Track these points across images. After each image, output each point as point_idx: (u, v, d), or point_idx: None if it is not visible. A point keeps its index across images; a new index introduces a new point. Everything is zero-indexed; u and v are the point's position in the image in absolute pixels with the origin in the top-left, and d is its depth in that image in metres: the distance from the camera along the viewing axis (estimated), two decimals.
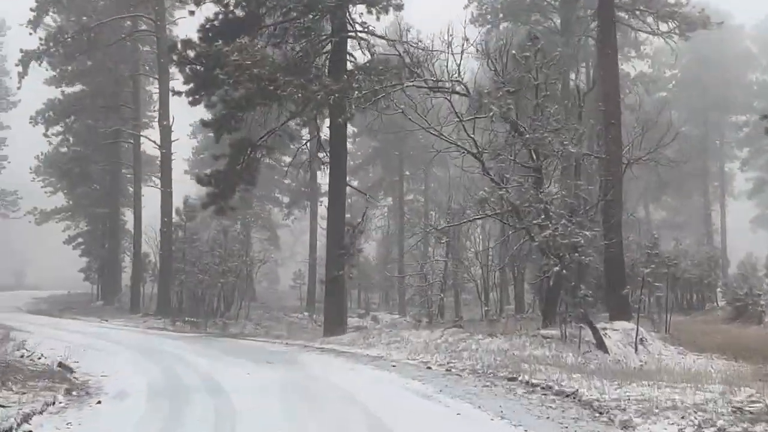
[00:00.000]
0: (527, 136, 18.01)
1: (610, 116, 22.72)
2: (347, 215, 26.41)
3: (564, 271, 17.54)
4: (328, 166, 24.44)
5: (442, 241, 33.79)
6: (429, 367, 14.97)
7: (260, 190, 60.71)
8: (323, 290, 32.55)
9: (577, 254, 17.58)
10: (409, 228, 50.55)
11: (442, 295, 32.30)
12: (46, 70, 41.46)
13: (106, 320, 33.51)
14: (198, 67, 21.98)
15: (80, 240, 50.86)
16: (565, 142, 17.87)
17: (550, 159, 18.84)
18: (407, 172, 59.65)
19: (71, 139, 41.10)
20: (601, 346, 18.48)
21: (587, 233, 17.80)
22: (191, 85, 22.74)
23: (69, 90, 41.54)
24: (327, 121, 25.54)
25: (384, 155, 57.75)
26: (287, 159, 61.36)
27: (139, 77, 40.76)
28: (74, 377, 13.14)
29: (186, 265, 35.92)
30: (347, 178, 25.29)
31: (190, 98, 22.92)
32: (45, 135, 40.51)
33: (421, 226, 28.02)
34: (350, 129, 59.89)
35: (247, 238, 54.99)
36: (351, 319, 43.96)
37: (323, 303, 25.12)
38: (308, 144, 28.09)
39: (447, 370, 14.62)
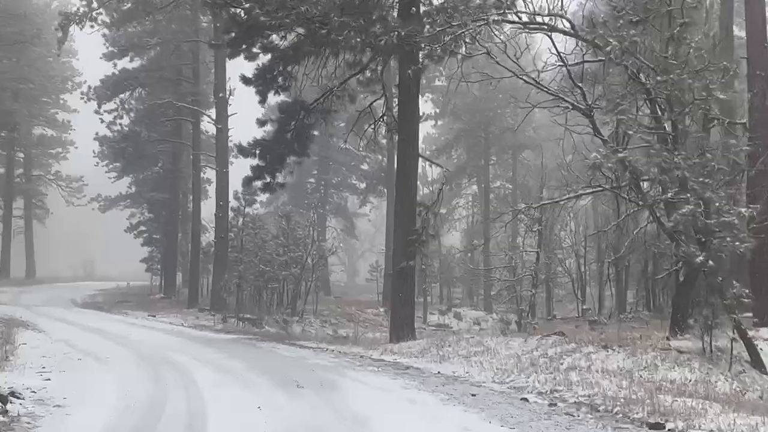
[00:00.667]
0: (658, 78, 13.18)
1: (756, 66, 17.67)
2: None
3: (709, 261, 12.75)
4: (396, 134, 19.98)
5: (534, 229, 29.29)
6: (525, 399, 10.42)
7: (335, 175, 57.11)
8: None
9: (729, 239, 12.69)
10: (495, 215, 45.95)
11: (533, 291, 27.79)
12: (105, 45, 38.37)
13: (154, 316, 29.89)
14: (237, 10, 17.86)
15: (142, 228, 47.74)
16: (712, 85, 12.97)
17: (688, 110, 13.89)
18: (493, 158, 54.93)
19: (125, 116, 37.64)
20: (757, 364, 13.63)
21: (743, 210, 12.91)
22: (232, 35, 18.70)
23: (124, 65, 38.23)
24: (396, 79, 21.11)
25: (468, 137, 53.12)
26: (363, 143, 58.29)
27: (198, 49, 36.96)
28: (11, 409, 9.11)
29: (244, 254, 32.09)
30: (419, 147, 20.69)
31: (229, 51, 18.86)
32: (96, 112, 37.19)
33: (509, 209, 23.14)
34: (431, 109, 55.70)
35: (323, 226, 51.30)
36: (431, 316, 39.76)
37: (391, 293, 20.68)
38: (373, 108, 23.44)
39: (551, 404, 10.04)
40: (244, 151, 19.71)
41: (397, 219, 19.46)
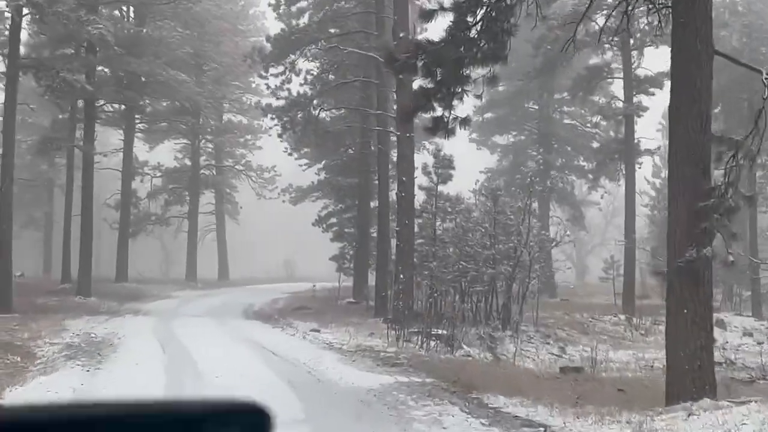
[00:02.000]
0: None
1: None
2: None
3: None
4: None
5: None
6: None
7: (558, 155, 47.87)
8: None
9: None
10: None
11: None
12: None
13: (318, 330, 22.50)
14: None
15: (333, 221, 41.12)
16: None
17: None
18: None
19: (293, 77, 30.51)
20: None
21: None
22: None
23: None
24: None
25: None
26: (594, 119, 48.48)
27: None
28: None
29: (437, 247, 24.12)
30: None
31: None
32: (260, 76, 30.54)
33: None
34: None
35: (545, 214, 42.35)
36: None
37: (666, 309, 11.42)
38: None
39: None
40: (401, 66, 11.54)
41: (675, 167, 10.43)
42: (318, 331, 22.31)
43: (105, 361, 13.40)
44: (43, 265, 52.27)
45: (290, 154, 39.39)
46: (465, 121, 11.65)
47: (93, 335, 17.63)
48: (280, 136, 32.25)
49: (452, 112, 11.24)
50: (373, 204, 35.07)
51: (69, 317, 22.67)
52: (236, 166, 51.87)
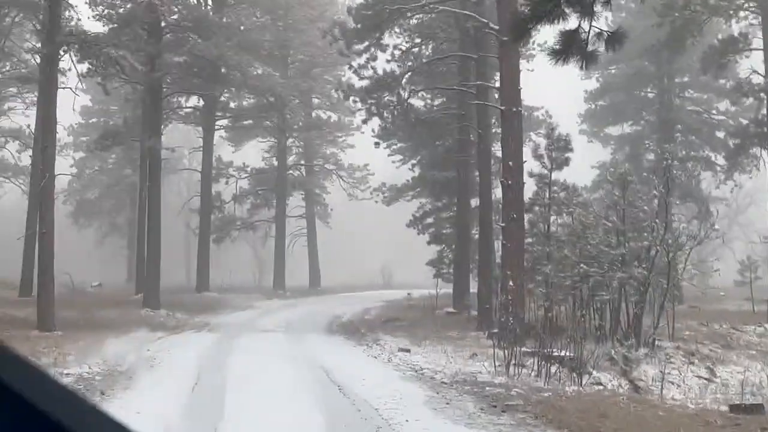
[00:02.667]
0: None
1: None
2: None
3: None
4: None
5: None
6: None
7: (681, 146, 42.44)
8: None
9: None
10: None
11: None
12: None
13: (408, 350, 18.33)
14: None
15: (429, 221, 37.09)
16: None
17: None
18: None
19: (379, 53, 26.38)
20: None
21: None
22: None
23: None
24: None
25: None
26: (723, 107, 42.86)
27: None
28: None
29: (552, 246, 19.68)
30: None
31: None
32: (342, 54, 26.59)
33: None
34: None
35: (663, 211, 36.99)
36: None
37: None
38: None
39: None
40: None
41: None
42: (408, 351, 18.18)
43: (102, 405, 9.64)
44: (126, 275, 50.03)
45: (377, 144, 35.04)
46: (615, 38, 7.35)
47: (122, 362, 14.03)
48: (364, 122, 28.14)
49: (594, 20, 7.00)
50: (474, 202, 30.86)
51: (119, 334, 19.34)
52: (326, 165, 48.31)
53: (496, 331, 19.29)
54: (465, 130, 28.82)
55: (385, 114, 25.94)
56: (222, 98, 39.93)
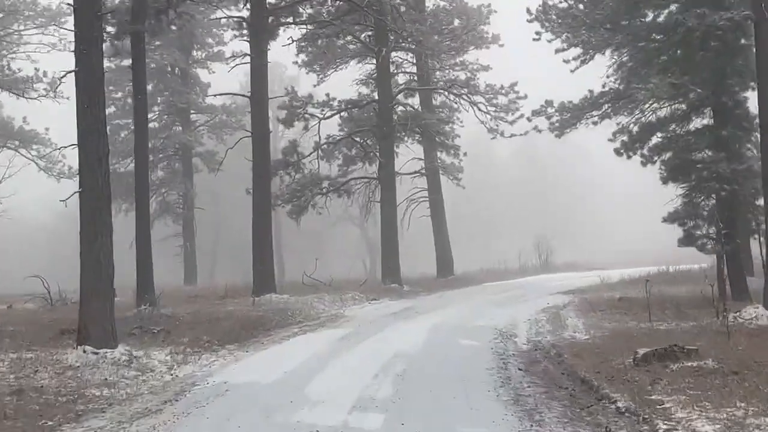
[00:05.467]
0: None
1: None
2: None
3: None
4: None
5: None
6: None
7: None
8: None
9: None
10: None
11: None
12: None
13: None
14: None
15: (657, 140, 20.56)
16: None
17: None
18: None
19: None
20: None
21: None
22: None
23: None
24: None
25: None
26: None
27: None
28: None
29: None
30: None
31: None
32: None
33: None
34: None
35: None
36: None
37: None
38: None
39: None
40: None
41: None
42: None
43: None
44: (184, 277, 35.66)
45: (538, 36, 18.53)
46: None
47: None
48: None
49: None
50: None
51: None
52: (452, 90, 31.59)
53: None
54: None
55: None
56: None
